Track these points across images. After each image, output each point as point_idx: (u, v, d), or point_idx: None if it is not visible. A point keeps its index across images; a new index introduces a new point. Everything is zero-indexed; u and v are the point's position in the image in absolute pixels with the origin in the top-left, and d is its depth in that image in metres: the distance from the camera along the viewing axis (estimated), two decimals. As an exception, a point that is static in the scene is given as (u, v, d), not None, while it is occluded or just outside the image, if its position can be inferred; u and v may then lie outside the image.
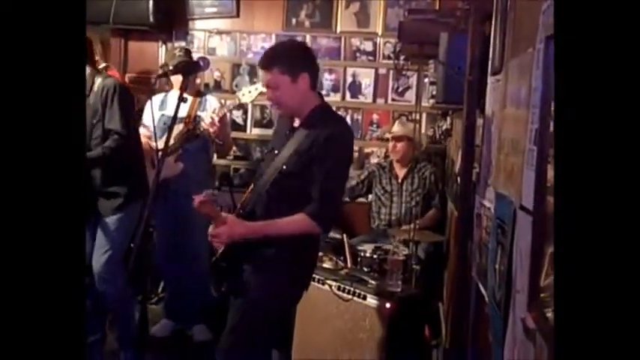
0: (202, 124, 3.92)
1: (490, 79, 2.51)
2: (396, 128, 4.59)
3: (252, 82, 5.19)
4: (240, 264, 2.62)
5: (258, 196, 2.64)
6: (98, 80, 3.31)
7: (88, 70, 3.27)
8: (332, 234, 3.83)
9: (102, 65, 4.29)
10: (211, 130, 3.88)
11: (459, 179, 3.00)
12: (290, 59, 2.56)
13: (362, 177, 4.68)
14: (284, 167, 2.56)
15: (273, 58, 2.56)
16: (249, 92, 3.86)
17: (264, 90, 3.72)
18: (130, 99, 3.47)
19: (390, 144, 4.58)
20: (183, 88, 2.57)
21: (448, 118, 4.54)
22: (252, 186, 2.79)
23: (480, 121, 2.70)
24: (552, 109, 1.52)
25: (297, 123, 2.66)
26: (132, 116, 3.47)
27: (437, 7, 4.90)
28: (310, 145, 2.53)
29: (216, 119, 3.88)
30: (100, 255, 3.36)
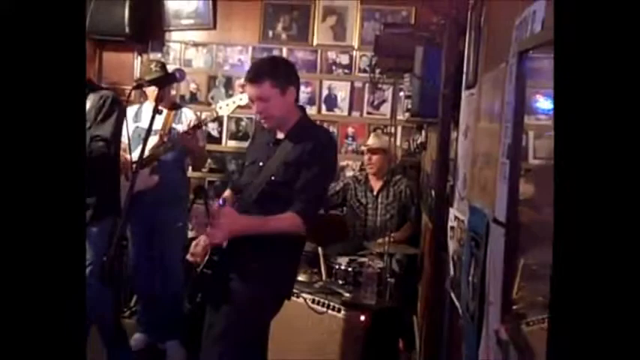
0: (180, 132, 3.89)
1: (464, 93, 2.54)
2: (372, 141, 4.61)
3: (227, 95, 5.19)
4: (225, 271, 2.63)
5: (246, 205, 2.67)
6: (93, 92, 3.29)
7: None
8: (306, 247, 3.82)
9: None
10: (184, 140, 3.85)
11: (433, 192, 3.02)
12: (280, 73, 2.62)
13: (337, 188, 4.68)
14: (272, 178, 2.62)
15: (263, 72, 2.61)
16: (227, 105, 3.85)
17: (242, 103, 3.74)
18: (124, 112, 3.45)
19: (366, 156, 4.59)
20: (158, 100, 2.55)
21: (423, 132, 4.57)
22: (229, 192, 2.85)
23: (454, 135, 2.72)
24: (524, 122, 1.54)
25: (280, 135, 2.71)
26: (121, 129, 3.45)
27: (413, 22, 4.95)
28: (299, 155, 2.60)
29: (190, 129, 3.85)
30: None
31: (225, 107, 3.85)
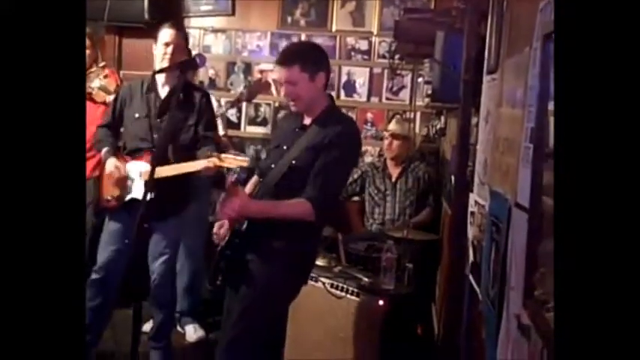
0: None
1: (486, 78, 2.52)
2: (393, 126, 4.59)
3: (246, 81, 5.20)
4: (244, 253, 2.65)
5: (267, 189, 2.69)
6: (195, 90, 3.40)
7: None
8: (326, 232, 3.83)
9: (101, 64, 4.26)
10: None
11: (452, 178, 3.02)
12: (310, 58, 2.65)
13: (355, 176, 4.67)
14: (294, 162, 2.62)
15: (294, 55, 2.64)
16: None
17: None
18: None
19: (386, 141, 4.57)
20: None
21: (442, 117, 4.55)
22: (256, 178, 2.86)
23: (475, 120, 2.71)
24: (550, 107, 1.54)
25: (307, 120, 2.72)
26: None
27: (433, 7, 4.91)
28: (321, 141, 2.60)
29: None
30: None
31: None
